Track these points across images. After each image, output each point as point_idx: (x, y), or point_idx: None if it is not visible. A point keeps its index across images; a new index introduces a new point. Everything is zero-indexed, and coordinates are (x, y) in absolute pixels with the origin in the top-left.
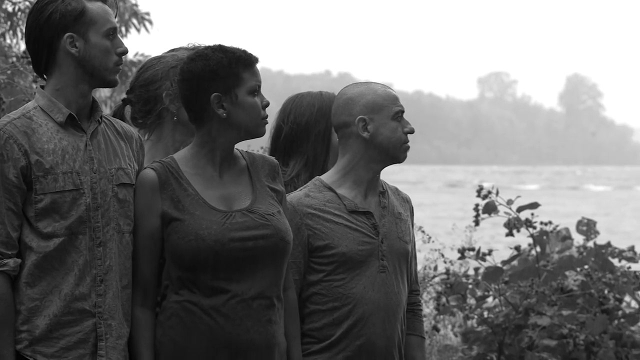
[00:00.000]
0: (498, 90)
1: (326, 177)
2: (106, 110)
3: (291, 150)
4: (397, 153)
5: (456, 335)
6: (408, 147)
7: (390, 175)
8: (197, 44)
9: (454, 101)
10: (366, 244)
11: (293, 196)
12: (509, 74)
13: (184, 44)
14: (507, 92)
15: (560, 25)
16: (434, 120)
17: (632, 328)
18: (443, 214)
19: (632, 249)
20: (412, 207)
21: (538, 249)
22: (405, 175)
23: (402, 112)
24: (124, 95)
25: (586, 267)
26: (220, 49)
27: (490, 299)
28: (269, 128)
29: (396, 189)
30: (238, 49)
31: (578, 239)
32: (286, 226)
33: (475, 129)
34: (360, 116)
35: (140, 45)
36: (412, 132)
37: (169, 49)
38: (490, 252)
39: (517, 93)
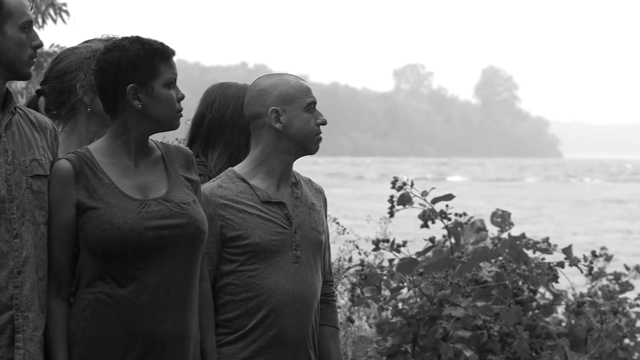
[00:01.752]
0: (414, 82)
1: (239, 168)
2: (21, 101)
3: (213, 140)
4: (309, 144)
5: (371, 327)
6: (320, 139)
7: (308, 167)
8: (111, 36)
9: (370, 93)
10: (279, 234)
11: (206, 187)
12: (424, 66)
13: (99, 36)
14: (423, 84)
15: (476, 17)
16: (350, 112)
17: (547, 319)
18: (360, 205)
19: (546, 240)
20: (326, 198)
21: (452, 240)
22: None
23: (315, 103)
24: (38, 87)
25: (500, 258)
26: (137, 41)
27: (404, 290)
28: (184, 120)
29: (309, 179)
30: (155, 41)
31: (493, 230)
32: (202, 215)
33: (392, 121)
34: (273, 107)
35: (57, 36)
36: (324, 123)
37: (84, 41)
38: (404, 243)
39: (433, 85)
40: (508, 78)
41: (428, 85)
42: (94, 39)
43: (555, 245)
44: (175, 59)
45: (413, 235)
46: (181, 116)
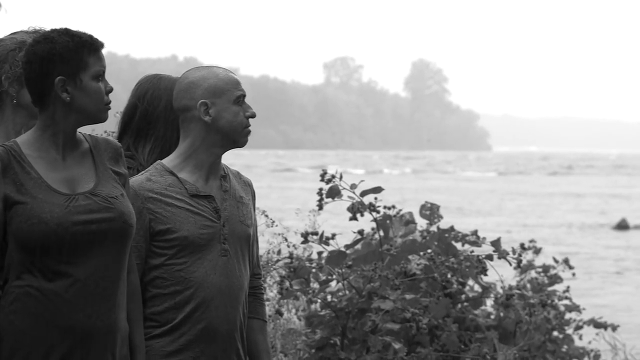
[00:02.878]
0: (344, 75)
1: (168, 161)
2: None
3: (144, 133)
4: (238, 137)
5: (300, 319)
6: (249, 132)
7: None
8: (38, 28)
9: (300, 86)
10: (208, 227)
11: (134, 180)
12: (354, 59)
13: (26, 27)
14: (353, 77)
15: (406, 10)
16: (280, 105)
17: (475, 312)
18: (289, 198)
19: (475, 233)
20: (254, 191)
21: (381, 233)
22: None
23: (244, 96)
24: None
25: (429, 251)
26: (66, 33)
27: (333, 283)
28: (113, 113)
29: (238, 172)
30: (84, 34)
31: (422, 223)
32: (129, 209)
33: (322, 114)
34: (202, 100)
35: None
36: (253, 116)
37: (10, 33)
38: (333, 236)
39: (363, 78)
40: (438, 71)
41: (358, 79)
42: (20, 31)
43: (484, 238)
44: (104, 51)
45: (342, 228)
46: (109, 109)
